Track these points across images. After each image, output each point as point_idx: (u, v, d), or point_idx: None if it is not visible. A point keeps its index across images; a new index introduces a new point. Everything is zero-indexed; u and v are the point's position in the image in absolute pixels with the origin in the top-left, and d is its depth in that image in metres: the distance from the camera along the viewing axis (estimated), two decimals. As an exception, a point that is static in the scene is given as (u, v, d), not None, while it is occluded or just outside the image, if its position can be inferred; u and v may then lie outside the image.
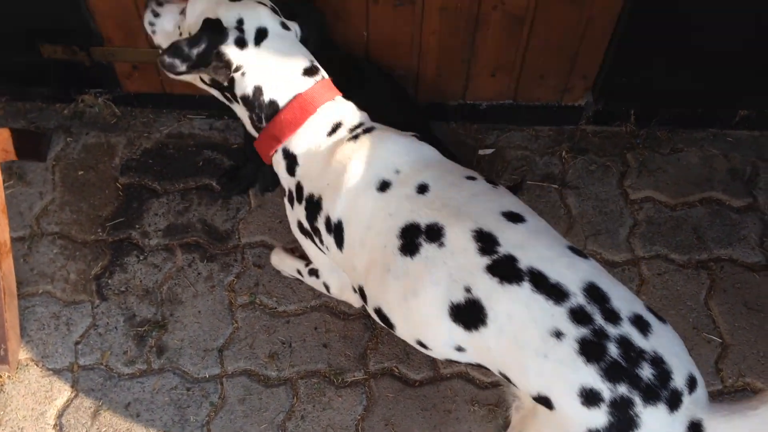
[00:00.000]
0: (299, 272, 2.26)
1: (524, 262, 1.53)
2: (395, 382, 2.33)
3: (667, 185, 2.71)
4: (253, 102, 1.78)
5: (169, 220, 2.62)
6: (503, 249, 1.56)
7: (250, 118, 1.82)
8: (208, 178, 2.71)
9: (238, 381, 2.33)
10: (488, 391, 2.31)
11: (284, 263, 2.38)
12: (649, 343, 1.48)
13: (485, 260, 1.55)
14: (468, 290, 1.55)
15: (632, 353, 1.46)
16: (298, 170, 1.82)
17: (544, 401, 1.51)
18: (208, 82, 1.83)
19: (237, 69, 1.74)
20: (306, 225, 1.87)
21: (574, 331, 1.47)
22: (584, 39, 2.44)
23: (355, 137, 1.76)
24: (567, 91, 2.67)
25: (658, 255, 2.56)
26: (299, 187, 1.83)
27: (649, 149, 2.79)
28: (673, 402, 1.46)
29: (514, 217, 1.63)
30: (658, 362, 1.46)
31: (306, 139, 1.78)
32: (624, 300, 1.53)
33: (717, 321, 2.44)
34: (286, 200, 1.92)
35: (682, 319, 2.43)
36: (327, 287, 2.10)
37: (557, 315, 1.49)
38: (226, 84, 1.78)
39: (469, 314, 1.56)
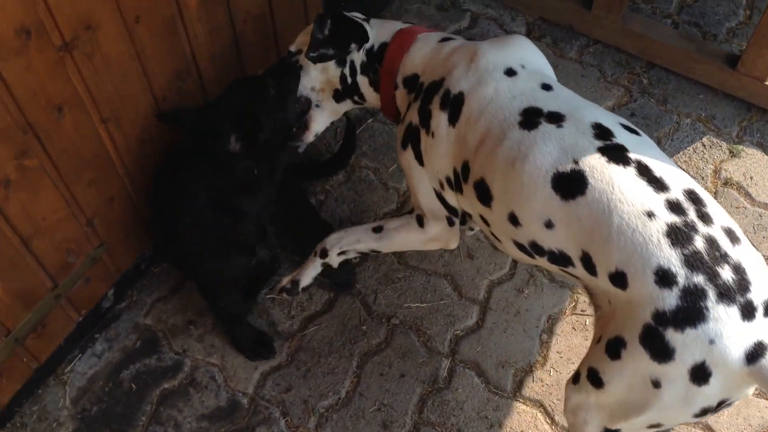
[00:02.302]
0: (371, 233, 2.13)
1: (633, 154, 1.59)
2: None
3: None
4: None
5: (177, 451, 2.27)
6: (616, 140, 1.63)
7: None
8: (151, 388, 2.35)
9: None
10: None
11: (345, 240, 2.18)
12: (735, 252, 1.47)
13: (598, 143, 1.62)
14: (576, 162, 1.60)
15: (717, 253, 1.46)
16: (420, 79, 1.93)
17: (620, 279, 1.52)
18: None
19: None
20: (416, 121, 1.90)
21: (666, 216, 1.49)
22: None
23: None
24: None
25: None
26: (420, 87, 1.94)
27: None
28: (747, 312, 1.42)
29: (630, 129, 1.70)
30: (740, 271, 1.45)
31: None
32: (721, 214, 1.54)
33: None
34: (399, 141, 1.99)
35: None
36: (421, 223, 2.04)
37: (654, 200, 1.52)
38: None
39: (570, 183, 1.59)
